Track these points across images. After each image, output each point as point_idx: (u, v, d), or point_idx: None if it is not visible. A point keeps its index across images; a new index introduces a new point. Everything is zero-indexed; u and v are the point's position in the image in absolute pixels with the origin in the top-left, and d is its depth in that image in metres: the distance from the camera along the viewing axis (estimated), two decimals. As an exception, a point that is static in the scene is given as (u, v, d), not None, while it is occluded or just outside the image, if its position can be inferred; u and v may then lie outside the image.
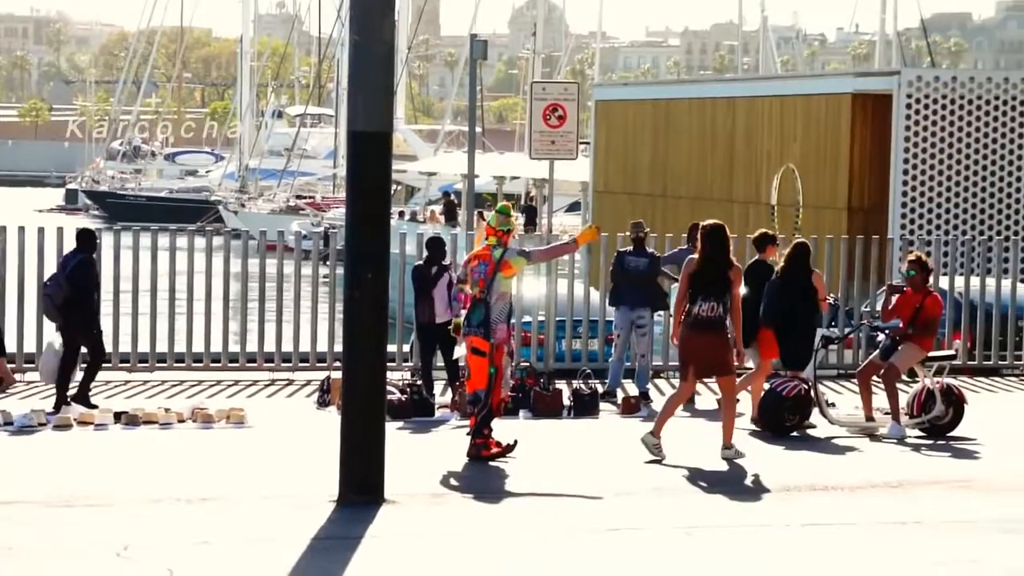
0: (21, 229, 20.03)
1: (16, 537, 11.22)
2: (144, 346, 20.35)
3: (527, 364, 19.49)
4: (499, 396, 15.11)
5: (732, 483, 14.10)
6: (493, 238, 15.09)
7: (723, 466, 14.89)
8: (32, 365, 18.92)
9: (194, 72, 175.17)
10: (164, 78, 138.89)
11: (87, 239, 17.88)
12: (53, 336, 17.89)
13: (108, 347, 20.02)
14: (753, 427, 17.01)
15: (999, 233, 27.64)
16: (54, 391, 17.54)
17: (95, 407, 17.35)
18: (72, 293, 17.45)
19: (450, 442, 15.89)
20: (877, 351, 17.44)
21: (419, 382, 18.37)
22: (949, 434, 16.83)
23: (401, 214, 53.93)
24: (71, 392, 17.52)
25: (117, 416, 16.79)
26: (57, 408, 17.13)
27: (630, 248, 19.69)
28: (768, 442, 16.29)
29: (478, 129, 44.82)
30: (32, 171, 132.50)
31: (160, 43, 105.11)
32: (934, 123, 27.73)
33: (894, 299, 17.27)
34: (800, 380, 16.84)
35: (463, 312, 15.41)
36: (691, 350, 15.28)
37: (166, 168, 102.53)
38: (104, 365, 19.94)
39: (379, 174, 12.98)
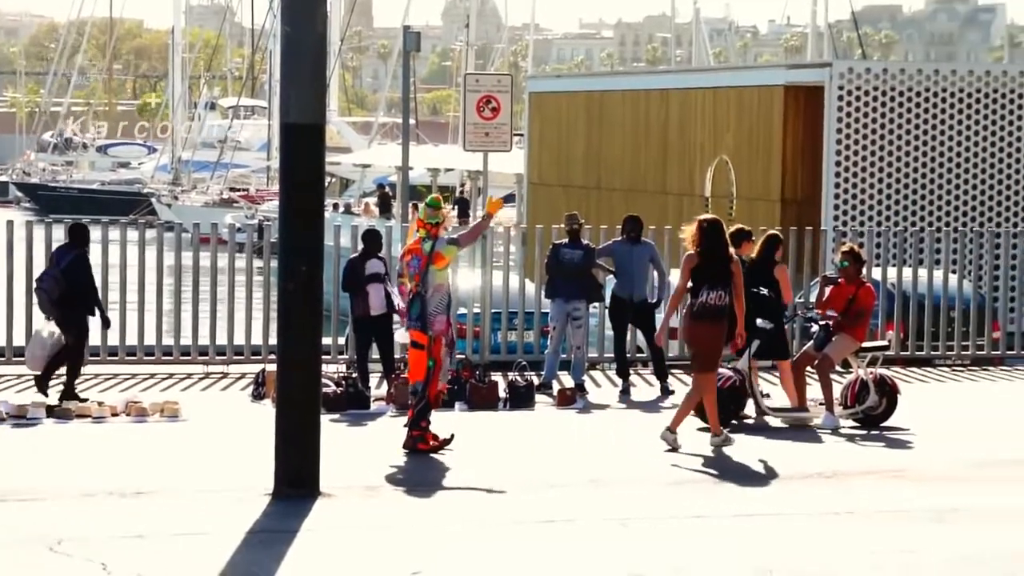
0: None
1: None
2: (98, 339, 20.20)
3: (463, 356, 19.47)
4: (435, 388, 15.09)
5: (666, 475, 14.14)
6: (423, 231, 15.05)
7: (660, 458, 14.93)
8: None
9: (125, 63, 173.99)
10: (95, 69, 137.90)
11: (80, 233, 17.90)
12: (41, 325, 17.98)
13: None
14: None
15: (931, 224, 27.84)
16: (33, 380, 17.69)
17: (84, 400, 17.43)
18: (68, 288, 17.50)
19: (385, 435, 15.87)
20: (811, 342, 17.53)
21: (354, 375, 18.33)
22: (883, 424, 16.96)
23: (335, 206, 53.79)
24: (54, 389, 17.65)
25: (49, 409, 16.68)
26: (70, 399, 17.29)
27: (565, 240, 19.72)
28: (702, 433, 16.34)
29: (412, 121, 44.76)
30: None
31: (91, 34, 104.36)
32: (866, 115, 27.88)
33: (828, 290, 17.37)
34: (735, 372, 16.91)
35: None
36: (698, 338, 15.46)
37: (98, 160, 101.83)
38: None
39: (312, 166, 12.94)
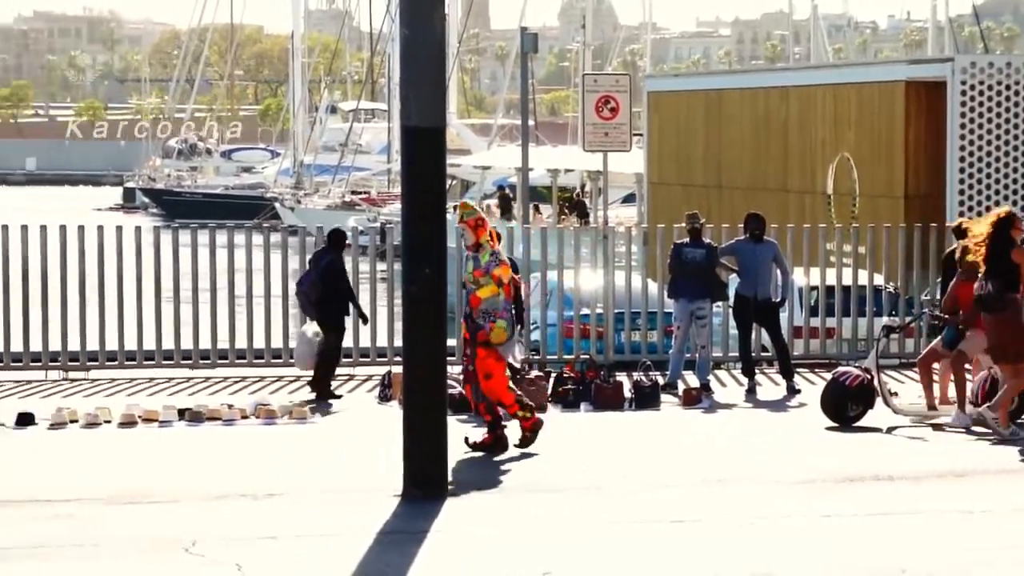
0: (81, 228, 20.20)
1: (85, 534, 11.33)
2: (206, 343, 20.46)
3: (587, 357, 19.51)
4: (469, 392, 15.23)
5: (794, 474, 14.08)
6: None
7: (787, 457, 14.88)
8: (124, 363, 19.11)
9: (247, 69, 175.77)
10: (217, 76, 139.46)
11: (337, 238, 18.99)
12: (305, 326, 19.00)
13: (171, 344, 20.25)
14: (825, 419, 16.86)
15: (1058, 219, 27.44)
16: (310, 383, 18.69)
17: (339, 396, 18.46)
18: (324, 289, 18.50)
19: (512, 435, 15.93)
20: (938, 338, 17.37)
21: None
22: (1018, 421, 16.73)
23: (455, 208, 53.95)
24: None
25: (181, 413, 16.92)
26: (325, 398, 18.30)
27: (687, 240, 19.68)
28: (831, 432, 16.26)
29: (531, 122, 44.87)
30: (89, 170, 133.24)
31: (212, 41, 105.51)
32: (989, 109, 27.55)
33: (956, 286, 17.14)
34: (864, 370, 16.79)
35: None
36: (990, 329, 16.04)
37: (222, 165, 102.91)
38: (165, 362, 20.18)
39: (433, 169, 13.03)
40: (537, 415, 15.28)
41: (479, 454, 14.74)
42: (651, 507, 12.57)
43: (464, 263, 15.11)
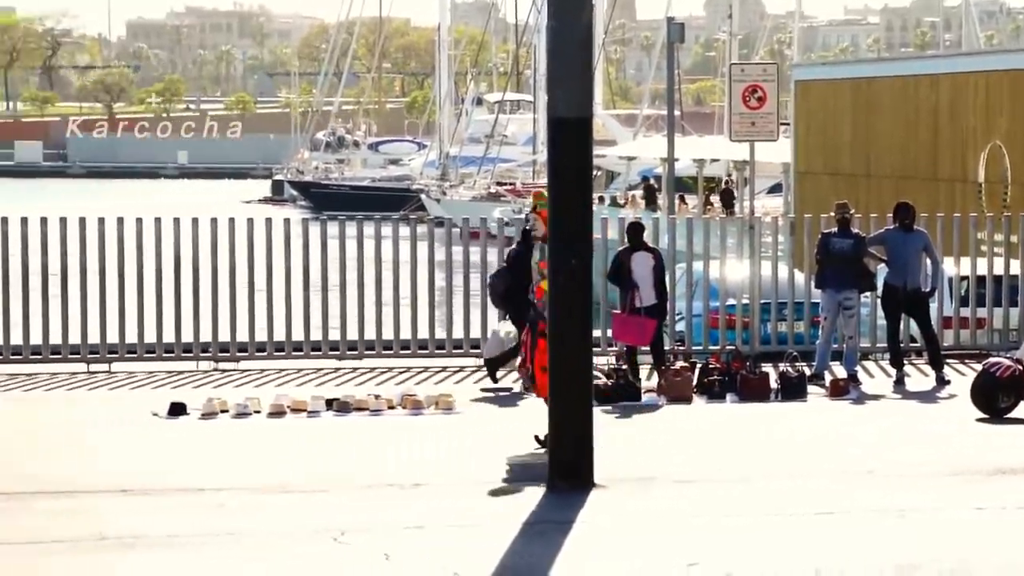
0: (231, 221, 20.46)
1: (236, 523, 11.49)
2: (353, 334, 20.64)
3: (733, 348, 19.41)
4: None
5: (945, 465, 13.90)
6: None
7: (937, 448, 14.70)
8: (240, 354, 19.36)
9: (394, 62, 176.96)
10: (364, 68, 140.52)
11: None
12: (498, 325, 19.25)
13: (318, 335, 20.45)
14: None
15: None
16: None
17: (507, 390, 18.54)
18: (513, 282, 18.29)
19: (657, 426, 15.90)
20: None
21: (624, 367, 18.39)
22: None
23: (601, 199, 53.92)
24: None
25: (329, 403, 17.09)
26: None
27: (834, 230, 19.48)
28: (981, 423, 16.03)
29: (676, 112, 44.66)
30: (239, 163, 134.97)
31: (360, 34, 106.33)
32: None
33: None
34: (1015, 361, 16.53)
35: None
36: None
37: (369, 157, 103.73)
38: (313, 353, 20.40)
39: (580, 160, 13.01)
40: None
41: (627, 445, 14.70)
42: (798, 498, 12.48)
43: (532, 253, 15.05)
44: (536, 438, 14.14)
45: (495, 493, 12.62)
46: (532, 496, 12.43)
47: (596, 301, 15.79)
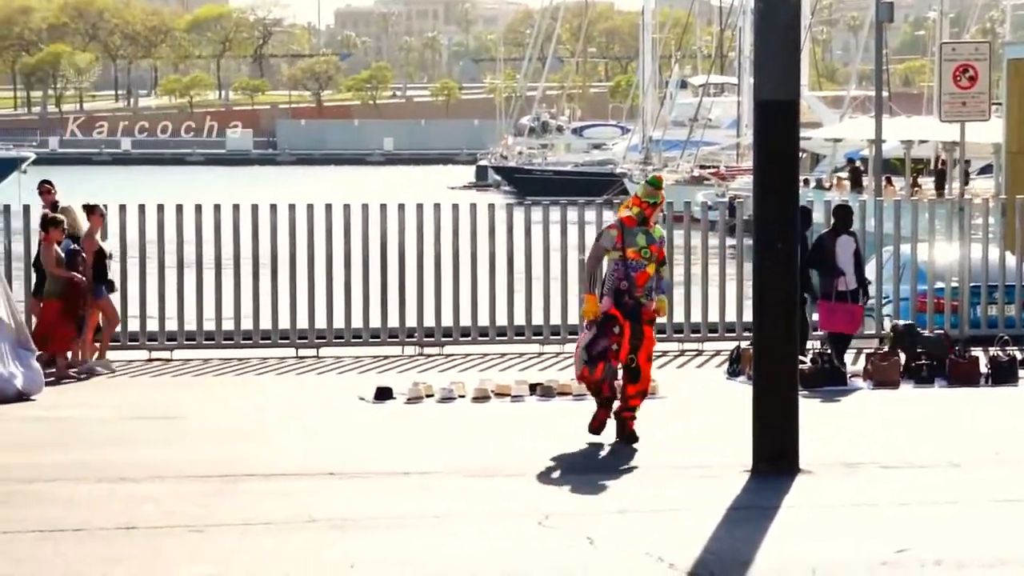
0: (436, 206, 20.64)
1: (440, 506, 11.59)
2: (556, 319, 20.70)
3: (942, 332, 19.08)
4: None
5: None
6: (637, 208, 14.27)
7: None
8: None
9: (598, 47, 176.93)
10: (568, 53, 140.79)
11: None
12: None
13: (522, 320, 20.55)
14: None
15: None
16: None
17: None
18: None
19: (863, 411, 15.70)
20: None
21: (829, 351, 18.19)
22: None
23: (806, 182, 53.36)
24: None
25: (532, 387, 17.15)
26: None
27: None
28: None
29: (884, 93, 44.02)
30: (444, 149, 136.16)
31: (564, 19, 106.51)
32: None
33: None
34: None
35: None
36: None
37: (573, 142, 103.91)
38: (517, 337, 20.52)
39: (787, 142, 12.89)
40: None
41: (832, 430, 14.55)
42: (1011, 485, 12.23)
43: (628, 238, 14.12)
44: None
45: (699, 478, 12.56)
46: (736, 481, 12.35)
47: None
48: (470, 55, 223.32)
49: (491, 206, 21.15)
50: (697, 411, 16.12)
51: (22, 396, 16.75)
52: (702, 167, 70.34)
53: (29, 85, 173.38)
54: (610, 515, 11.26)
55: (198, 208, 20.24)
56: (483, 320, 20.59)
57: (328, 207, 20.37)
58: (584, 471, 12.87)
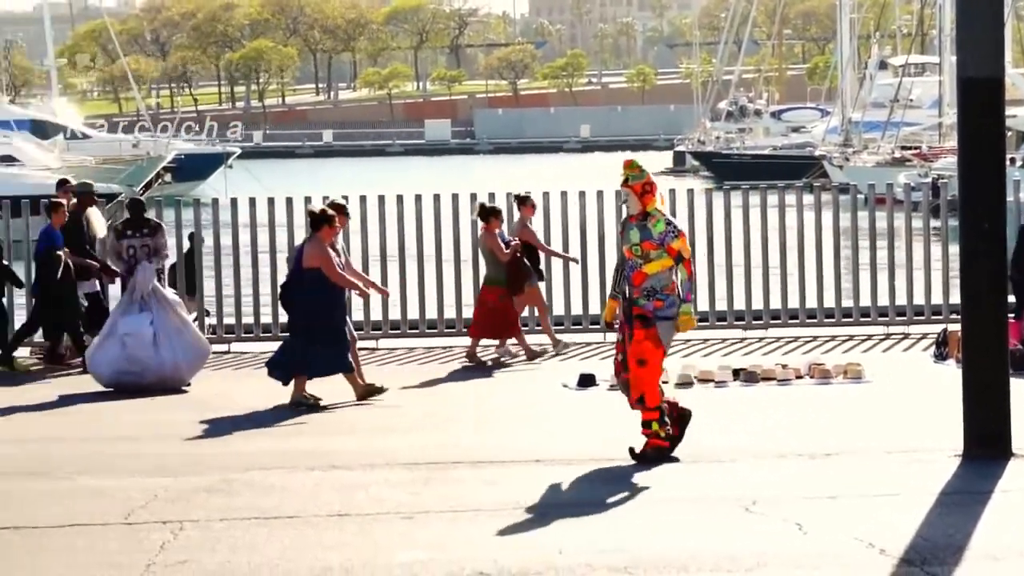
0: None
1: (643, 491, 11.61)
2: (758, 303, 20.59)
3: None
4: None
5: None
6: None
7: None
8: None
9: (794, 28, 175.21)
10: (764, 36, 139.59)
11: None
12: None
13: (723, 306, 20.47)
14: None
15: None
16: None
17: None
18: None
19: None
20: None
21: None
22: None
23: (1012, 161, 52.34)
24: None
25: (736, 373, 17.09)
26: None
27: None
28: None
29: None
30: (640, 135, 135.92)
31: (759, 1, 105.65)
32: None
33: None
34: None
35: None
36: None
37: (772, 125, 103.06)
38: (719, 323, 20.45)
39: (991, 121, 12.67)
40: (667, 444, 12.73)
41: None
42: None
43: (625, 233, 12.81)
44: (631, 451, 12.68)
45: (908, 463, 12.41)
46: (947, 466, 12.19)
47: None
48: (665, 40, 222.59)
49: (690, 191, 21.12)
50: (904, 395, 15.93)
51: (168, 383, 17.16)
52: (903, 148, 69.28)
53: (232, 80, 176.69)
54: (819, 500, 11.19)
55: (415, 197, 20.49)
56: (703, 305, 20.53)
57: (546, 195, 20.47)
58: (791, 456, 12.80)
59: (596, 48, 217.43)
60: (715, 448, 13.19)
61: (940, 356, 18.08)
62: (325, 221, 16.04)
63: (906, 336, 20.13)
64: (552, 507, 11.20)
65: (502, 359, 18.95)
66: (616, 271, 12.99)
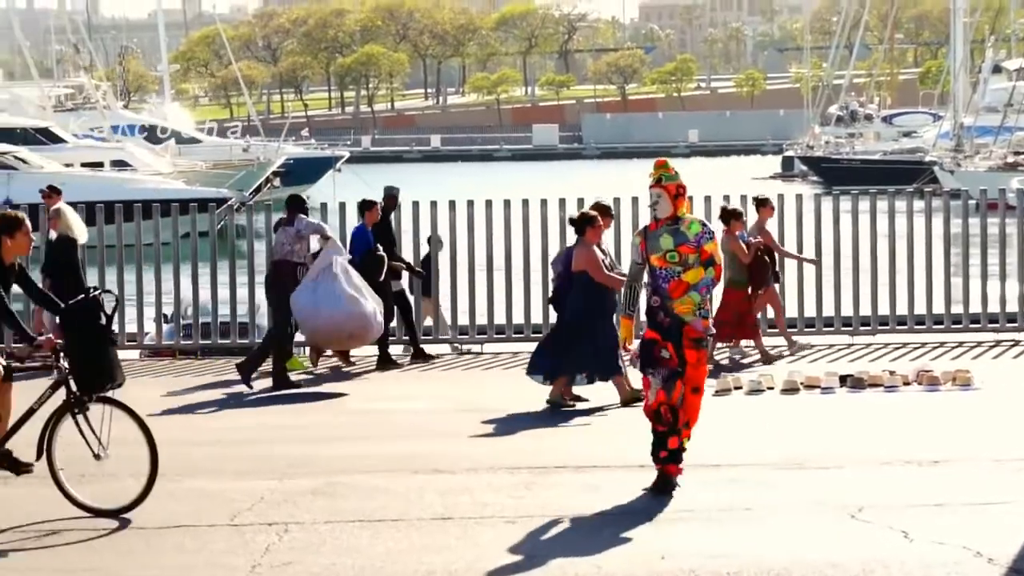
0: (743, 197, 20.53)
1: (751, 498, 11.54)
2: (866, 309, 20.42)
3: None
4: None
5: None
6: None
7: None
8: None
9: (906, 32, 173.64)
10: (876, 40, 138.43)
11: None
12: None
13: (831, 311, 20.33)
14: None
15: None
16: None
17: None
18: None
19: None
20: None
21: None
22: None
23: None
24: None
25: (843, 379, 16.97)
26: None
27: None
28: None
29: None
30: (749, 140, 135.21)
31: (872, 5, 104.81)
32: None
33: None
34: None
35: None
36: None
37: (883, 130, 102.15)
38: (826, 329, 20.30)
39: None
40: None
41: None
42: None
43: (651, 242, 11.89)
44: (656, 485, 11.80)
45: (1018, 471, 12.26)
46: (1057, 475, 12.04)
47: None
48: (775, 45, 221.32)
49: (798, 196, 20.99)
50: (1014, 402, 15.74)
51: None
52: (1016, 153, 68.42)
53: (343, 86, 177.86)
54: (925, 508, 11.08)
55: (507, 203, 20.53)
56: (791, 312, 20.43)
57: (634, 200, 20.41)
58: (898, 463, 12.68)
59: (705, 53, 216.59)
60: (821, 455, 13.10)
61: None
62: (588, 223, 15.88)
63: (1016, 343, 19.90)
64: (655, 512, 11.17)
65: (739, 360, 19.03)
66: (628, 287, 12.18)
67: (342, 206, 21.01)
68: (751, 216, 19.57)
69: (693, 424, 11.98)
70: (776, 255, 19.63)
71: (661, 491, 11.68)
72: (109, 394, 11.40)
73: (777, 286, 19.68)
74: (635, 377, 13.40)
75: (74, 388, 11.38)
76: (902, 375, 17.03)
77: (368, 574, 9.78)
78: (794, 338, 19.73)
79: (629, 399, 15.79)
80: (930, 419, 14.90)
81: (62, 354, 11.39)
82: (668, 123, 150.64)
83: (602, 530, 10.67)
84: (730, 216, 19.13)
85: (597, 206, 16.71)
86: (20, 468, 11.47)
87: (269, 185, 58.05)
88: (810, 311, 20.42)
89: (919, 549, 9.98)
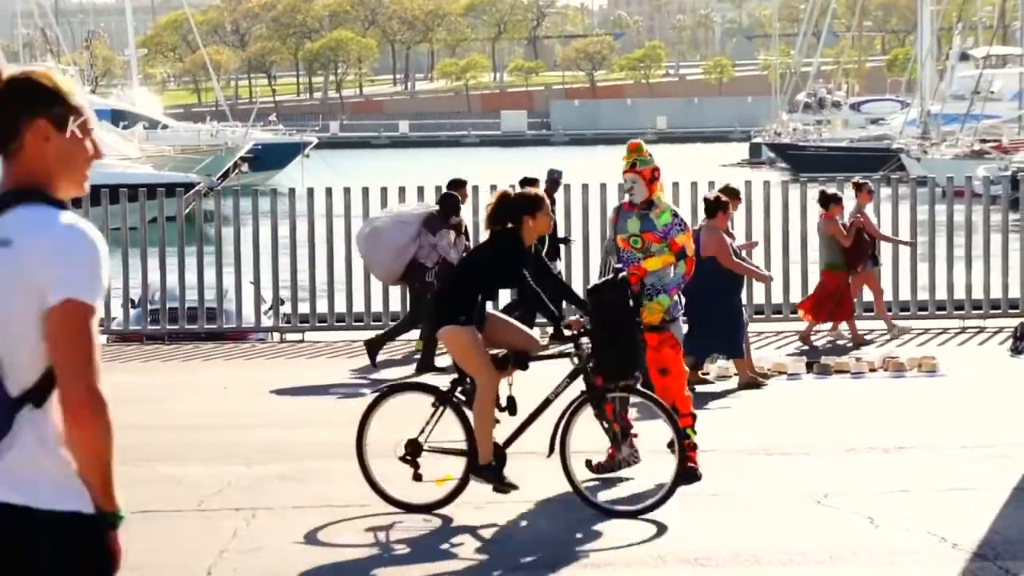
0: (710, 184, 20.56)
1: (722, 484, 11.58)
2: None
3: None
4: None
5: None
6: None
7: None
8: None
9: (874, 20, 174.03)
10: (844, 27, 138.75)
11: None
12: None
13: (799, 298, 20.38)
14: None
15: None
16: None
17: None
18: None
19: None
20: None
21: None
22: None
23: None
24: None
25: (809, 365, 17.04)
26: None
27: None
28: None
29: None
30: (717, 127, 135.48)
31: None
32: None
33: None
34: None
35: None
36: None
37: (851, 118, 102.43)
38: (792, 316, 20.34)
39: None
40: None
41: None
42: None
43: (620, 222, 11.73)
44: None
45: (984, 458, 12.32)
46: (1022, 461, 12.09)
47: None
48: (743, 32, 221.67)
49: (766, 183, 21.03)
50: (980, 389, 15.82)
51: None
52: (983, 141, 68.68)
53: (311, 71, 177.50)
54: (891, 494, 11.13)
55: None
56: (759, 299, 20.48)
57: (602, 186, 20.44)
58: (864, 449, 12.73)
59: (674, 40, 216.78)
60: (787, 441, 13.15)
61: (1016, 350, 17.95)
62: (720, 207, 15.71)
63: (982, 330, 19.99)
64: (620, 502, 11.20)
65: (836, 343, 19.10)
66: (603, 261, 11.90)
67: (310, 191, 20.97)
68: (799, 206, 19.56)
69: (681, 405, 11.58)
70: (874, 239, 19.59)
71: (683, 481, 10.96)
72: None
73: (877, 269, 19.70)
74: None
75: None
76: (868, 361, 17.11)
77: (336, 559, 9.78)
78: (894, 322, 19.74)
79: (748, 383, 16.02)
80: (896, 406, 14.97)
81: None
82: (636, 109, 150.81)
83: (567, 514, 10.68)
84: (829, 200, 19.16)
85: (727, 189, 16.67)
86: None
87: (237, 170, 57.83)
88: (777, 298, 20.45)
89: (885, 535, 10.03)
